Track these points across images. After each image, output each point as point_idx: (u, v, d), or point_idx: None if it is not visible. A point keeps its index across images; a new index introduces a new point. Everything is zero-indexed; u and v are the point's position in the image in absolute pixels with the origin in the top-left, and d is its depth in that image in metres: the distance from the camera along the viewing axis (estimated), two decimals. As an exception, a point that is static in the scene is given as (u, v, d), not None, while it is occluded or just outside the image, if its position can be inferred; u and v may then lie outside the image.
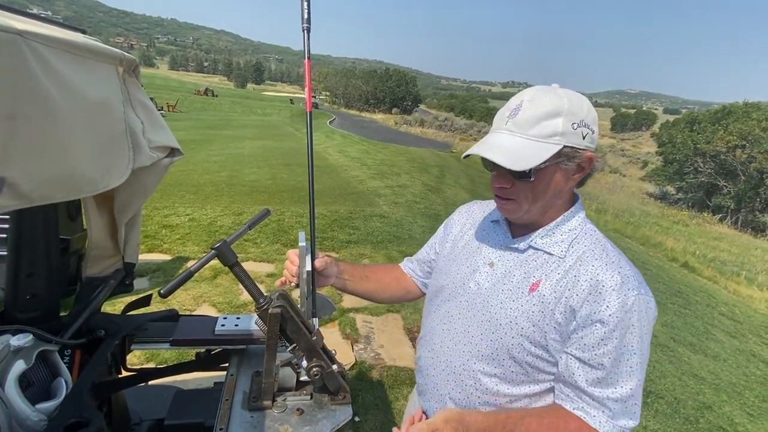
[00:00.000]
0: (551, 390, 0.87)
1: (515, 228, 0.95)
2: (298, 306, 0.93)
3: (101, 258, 1.22)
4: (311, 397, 0.96)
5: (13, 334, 0.90)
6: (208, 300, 3.44)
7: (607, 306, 0.77)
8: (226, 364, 1.16)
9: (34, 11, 0.98)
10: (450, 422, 0.76)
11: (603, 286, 0.78)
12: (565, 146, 0.79)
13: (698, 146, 25.03)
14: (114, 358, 1.17)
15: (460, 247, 1.04)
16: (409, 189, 9.05)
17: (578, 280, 0.81)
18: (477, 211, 1.10)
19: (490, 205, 1.08)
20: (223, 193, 7.06)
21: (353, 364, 2.89)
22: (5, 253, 1.07)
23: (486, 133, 0.92)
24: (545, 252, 0.87)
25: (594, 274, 0.80)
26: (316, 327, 0.96)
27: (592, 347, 0.78)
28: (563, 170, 0.83)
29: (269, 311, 0.85)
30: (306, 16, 0.96)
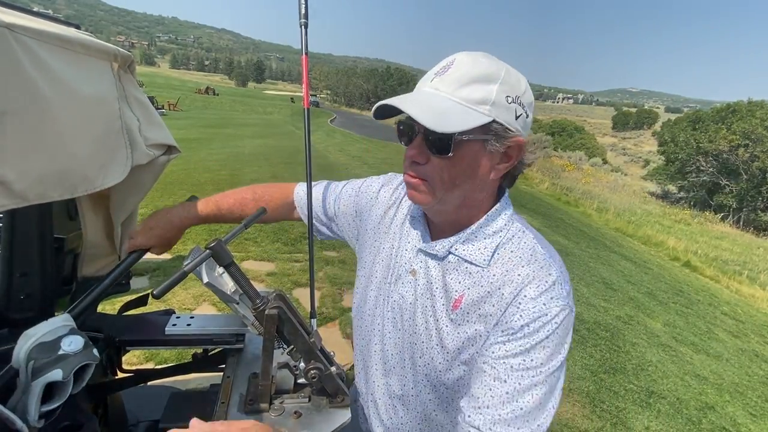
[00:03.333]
0: None
1: (434, 227, 0.83)
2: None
3: (97, 257, 1.20)
4: (309, 400, 0.94)
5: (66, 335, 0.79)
6: (209, 299, 3.43)
7: (524, 317, 0.67)
8: (223, 365, 1.15)
9: (35, 10, 0.96)
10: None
11: (525, 297, 0.68)
12: (494, 120, 0.66)
13: (701, 145, 24.93)
14: (110, 360, 1.15)
15: (377, 248, 0.93)
16: (410, 188, 9.02)
17: (503, 293, 0.70)
18: (403, 194, 0.93)
19: None
20: (223, 191, 7.06)
21: (353, 365, 2.87)
22: (-2, 252, 1.05)
23: None
24: (466, 261, 0.75)
25: (519, 285, 0.69)
26: (315, 328, 0.94)
27: (504, 361, 0.67)
28: (488, 153, 0.69)
29: (266, 312, 0.83)
30: (303, 11, 0.94)
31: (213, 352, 1.22)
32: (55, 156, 0.71)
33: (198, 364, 1.23)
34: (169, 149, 1.09)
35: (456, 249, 0.76)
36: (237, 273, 0.85)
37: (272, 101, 56.38)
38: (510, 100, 0.67)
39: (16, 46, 0.64)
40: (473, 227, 0.76)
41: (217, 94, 52.42)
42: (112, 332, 1.12)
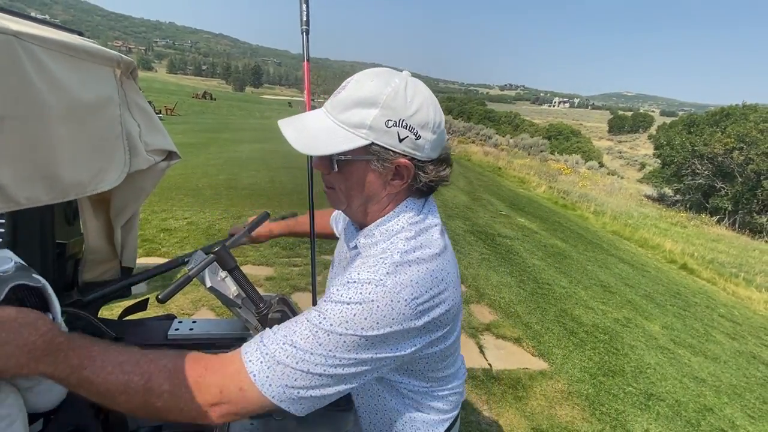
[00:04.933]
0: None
1: (357, 225, 0.89)
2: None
3: (98, 262, 1.20)
4: (312, 404, 0.94)
5: None
6: (207, 304, 3.42)
7: (343, 279, 0.71)
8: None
9: (32, 15, 0.97)
10: None
11: (356, 263, 0.74)
12: (373, 143, 0.71)
13: (696, 148, 25.11)
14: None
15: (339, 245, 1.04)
16: (408, 191, 9.03)
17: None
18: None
19: None
20: (221, 196, 7.05)
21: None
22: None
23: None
24: (358, 248, 0.82)
25: (351, 268, 0.74)
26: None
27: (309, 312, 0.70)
28: (374, 171, 0.74)
29: (269, 316, 0.84)
30: (305, 18, 0.95)
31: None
32: (49, 161, 0.72)
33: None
34: (170, 155, 1.10)
35: (359, 241, 0.83)
36: (241, 277, 0.86)
37: (270, 105, 56.49)
38: (391, 123, 0.70)
39: (22, 54, 0.65)
40: (372, 225, 0.81)
41: (215, 99, 52.49)
42: (114, 337, 1.12)
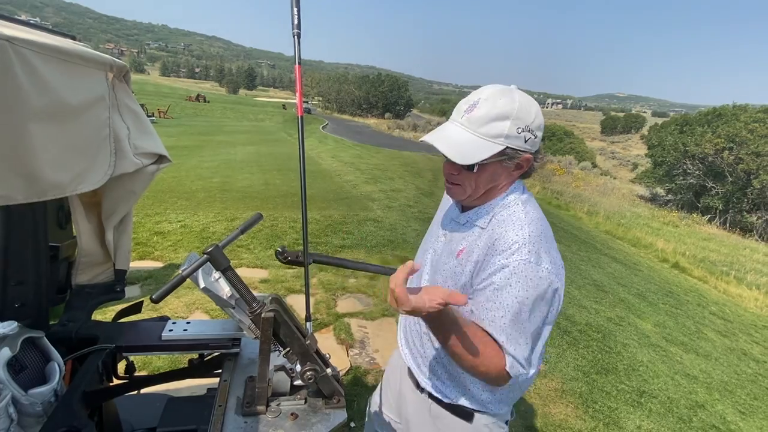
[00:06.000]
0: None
1: (464, 207, 1.10)
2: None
3: (92, 265, 1.20)
4: (305, 402, 0.95)
5: None
6: (201, 306, 3.41)
7: (496, 264, 0.91)
8: (220, 370, 1.15)
9: (23, 18, 0.97)
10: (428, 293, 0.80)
11: (498, 245, 0.93)
12: (507, 147, 0.91)
13: (687, 148, 25.39)
14: (105, 366, 1.15)
15: (436, 218, 1.27)
16: (403, 193, 9.07)
17: (488, 245, 0.96)
18: None
19: None
20: (215, 199, 7.02)
21: (348, 370, 2.88)
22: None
23: None
24: (476, 225, 1.03)
25: (499, 235, 0.95)
26: (310, 331, 0.95)
27: (486, 290, 0.92)
28: (504, 167, 0.96)
29: (262, 315, 0.85)
30: (296, 21, 0.97)
31: (209, 357, 1.22)
32: (26, 161, 0.72)
33: (194, 369, 1.24)
34: (160, 158, 1.10)
35: (471, 217, 1.05)
36: (234, 277, 0.87)
37: (264, 108, 56.35)
38: (520, 130, 0.91)
39: (14, 58, 0.66)
40: (486, 205, 1.03)
41: (208, 101, 52.24)
42: (108, 339, 1.13)
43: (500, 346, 0.90)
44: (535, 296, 0.88)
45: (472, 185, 0.98)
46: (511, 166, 0.96)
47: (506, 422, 1.16)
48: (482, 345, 0.89)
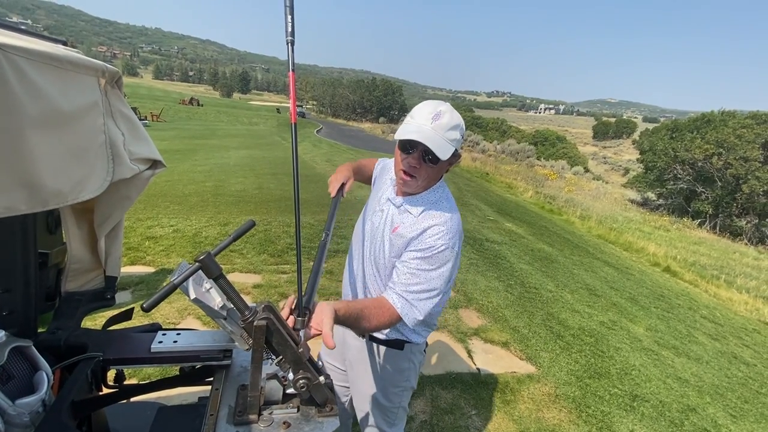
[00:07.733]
0: None
1: (398, 189, 1.37)
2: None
3: (81, 272, 1.19)
4: (298, 410, 0.95)
5: None
6: (193, 312, 3.38)
7: (425, 245, 1.24)
8: (211, 379, 1.14)
9: (14, 20, 0.96)
10: (326, 310, 0.98)
11: (426, 232, 1.25)
12: (456, 149, 1.21)
13: (678, 154, 25.71)
14: (94, 375, 1.14)
15: (374, 194, 1.55)
16: (397, 197, 9.05)
17: (416, 227, 1.28)
18: (388, 167, 1.55)
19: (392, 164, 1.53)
20: (208, 203, 6.98)
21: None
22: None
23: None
24: (409, 212, 1.32)
25: (428, 225, 1.26)
26: (303, 339, 0.95)
27: (409, 263, 1.24)
28: (447, 164, 1.29)
29: (254, 323, 0.84)
30: (290, 29, 0.96)
31: (199, 366, 1.21)
32: (28, 170, 0.72)
33: (185, 378, 1.22)
34: (154, 164, 1.10)
35: (407, 202, 1.34)
36: (226, 285, 0.86)
37: (258, 112, 56.21)
38: (462, 136, 1.24)
39: (5, 65, 0.65)
40: (419, 197, 1.34)
41: (202, 105, 51.97)
42: (97, 348, 1.11)
43: (393, 305, 1.21)
44: (441, 271, 1.24)
45: (425, 177, 1.26)
46: (447, 165, 1.28)
47: (424, 350, 1.55)
48: (380, 312, 1.18)
